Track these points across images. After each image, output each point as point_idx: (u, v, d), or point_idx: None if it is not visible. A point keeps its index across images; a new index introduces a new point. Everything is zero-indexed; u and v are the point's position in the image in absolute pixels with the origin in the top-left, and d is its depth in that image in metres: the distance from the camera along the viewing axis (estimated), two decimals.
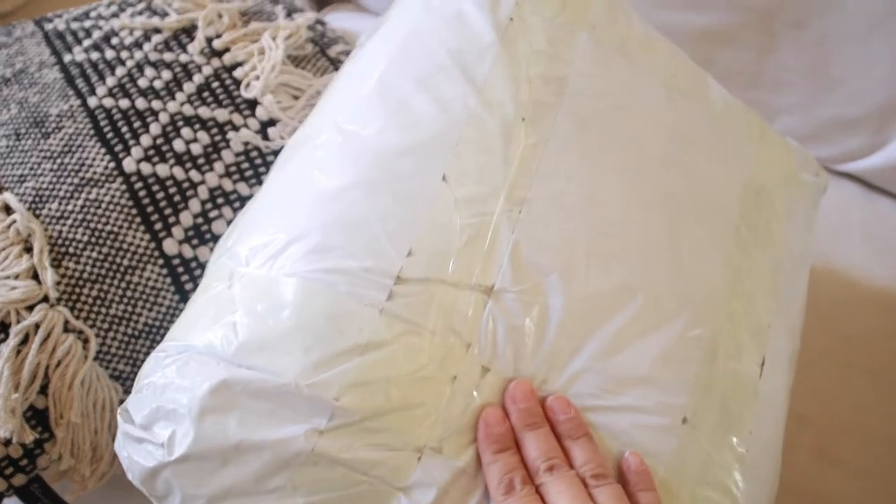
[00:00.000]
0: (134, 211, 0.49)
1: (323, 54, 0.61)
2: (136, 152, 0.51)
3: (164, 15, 0.59)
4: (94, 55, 0.56)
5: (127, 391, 0.48)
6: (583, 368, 0.39)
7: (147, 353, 0.49)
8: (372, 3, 0.86)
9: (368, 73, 0.44)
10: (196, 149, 0.52)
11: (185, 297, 0.49)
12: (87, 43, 0.58)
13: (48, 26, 0.61)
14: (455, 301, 0.37)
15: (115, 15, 0.60)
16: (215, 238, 0.50)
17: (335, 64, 0.61)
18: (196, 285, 0.49)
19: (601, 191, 0.42)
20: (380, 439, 0.35)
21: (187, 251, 0.50)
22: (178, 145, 0.51)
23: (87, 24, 0.60)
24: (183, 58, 0.56)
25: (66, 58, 0.57)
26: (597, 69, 0.46)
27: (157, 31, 0.58)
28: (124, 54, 0.56)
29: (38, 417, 0.45)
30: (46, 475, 0.47)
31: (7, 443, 0.45)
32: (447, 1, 0.46)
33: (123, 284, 0.48)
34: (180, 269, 0.49)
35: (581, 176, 0.42)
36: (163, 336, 0.49)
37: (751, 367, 0.42)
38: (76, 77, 0.55)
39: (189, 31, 0.58)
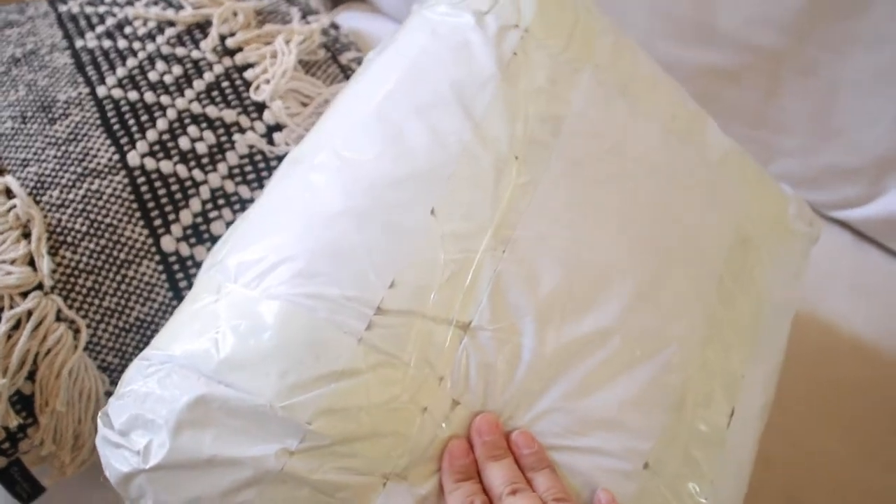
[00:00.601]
0: (135, 205, 0.50)
1: (334, 60, 0.62)
2: (142, 146, 0.52)
3: (179, 7, 0.60)
4: (107, 43, 0.57)
5: (114, 383, 0.49)
6: (550, 408, 0.40)
7: (136, 348, 0.50)
8: (385, 3, 0.86)
9: (370, 96, 0.45)
10: (201, 148, 0.53)
11: (178, 294, 0.51)
12: (100, 29, 0.58)
13: (62, 8, 0.62)
14: (432, 334, 0.38)
15: (129, 2, 0.61)
16: (213, 238, 0.51)
17: (345, 71, 0.61)
18: (190, 284, 0.50)
19: (587, 233, 0.43)
20: (348, 463, 0.36)
21: (184, 249, 0.51)
22: (184, 143, 0.52)
23: (101, 9, 0.61)
24: (195, 54, 0.57)
25: (78, 43, 0.57)
26: (595, 110, 0.47)
27: (171, 23, 0.59)
28: (136, 45, 0.57)
29: (23, 403, 0.47)
30: (26, 459, 0.48)
31: None
32: (455, 29, 0.47)
33: (118, 278, 0.49)
34: (176, 267, 0.50)
35: (568, 218, 0.43)
36: (153, 332, 0.50)
37: (719, 418, 0.43)
38: (87, 64, 0.56)
39: (203, 26, 0.59)
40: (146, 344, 0.50)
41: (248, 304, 0.38)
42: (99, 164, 0.51)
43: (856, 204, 0.70)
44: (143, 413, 0.36)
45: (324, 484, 0.35)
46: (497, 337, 0.39)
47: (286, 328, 0.37)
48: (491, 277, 0.40)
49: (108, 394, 0.49)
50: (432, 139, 0.42)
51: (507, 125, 0.44)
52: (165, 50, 0.57)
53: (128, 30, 0.58)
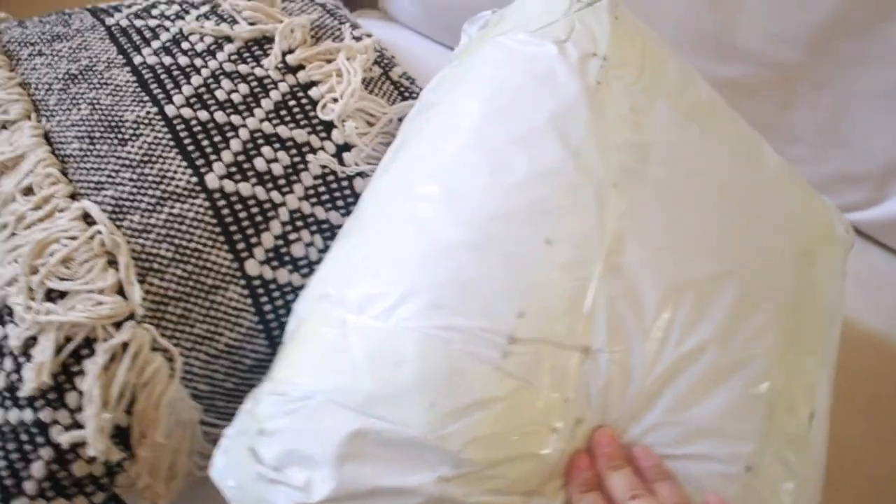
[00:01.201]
0: (217, 229, 0.50)
1: (387, 77, 0.62)
2: (219, 168, 0.51)
3: (232, 22, 0.59)
4: (167, 59, 0.56)
5: (207, 411, 0.49)
6: (659, 422, 0.43)
7: (226, 375, 0.50)
8: (400, 13, 0.87)
9: (461, 126, 0.46)
10: (277, 169, 0.52)
11: (263, 318, 0.51)
12: (156, 45, 0.57)
13: (109, 21, 0.60)
14: (559, 359, 0.41)
15: (179, 16, 0.60)
16: (294, 261, 0.51)
17: (398, 87, 0.62)
18: (274, 307, 0.51)
19: (685, 256, 0.46)
20: (496, 485, 0.38)
21: (268, 272, 0.51)
22: (260, 164, 0.52)
23: (152, 23, 0.59)
24: (258, 71, 0.56)
25: (136, 59, 0.56)
26: (674, 136, 0.50)
27: (229, 39, 0.58)
28: (198, 62, 0.56)
29: (120, 436, 0.46)
30: (118, 489, 0.48)
31: (91, 461, 0.46)
32: (535, 59, 0.49)
33: (207, 304, 0.49)
34: (260, 291, 0.51)
35: (667, 241, 0.45)
36: (241, 358, 0.50)
37: (802, 420, 0.47)
38: (150, 81, 0.54)
39: (260, 42, 0.58)
40: (235, 370, 0.51)
41: (382, 336, 0.39)
42: (178, 186, 0.50)
43: (860, 208, 0.76)
44: (297, 448, 0.36)
45: None
46: (613, 359, 0.42)
47: (426, 360, 0.38)
48: (605, 303, 0.42)
49: (203, 423, 0.49)
50: (535, 170, 0.44)
51: (602, 154, 0.46)
52: (228, 67, 0.56)
53: (185, 45, 0.57)
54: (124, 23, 0.59)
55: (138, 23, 0.59)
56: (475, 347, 0.39)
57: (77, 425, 0.45)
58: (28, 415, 0.46)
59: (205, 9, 0.61)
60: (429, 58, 0.83)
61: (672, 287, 0.44)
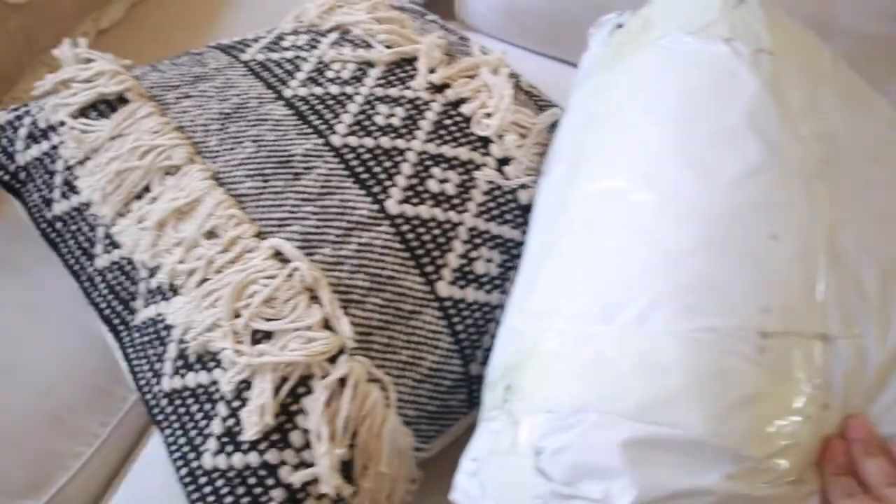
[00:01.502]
0: (406, 254, 0.50)
1: (518, 87, 0.62)
2: (396, 193, 0.51)
3: (367, 46, 0.59)
4: (317, 90, 0.56)
5: (418, 437, 0.49)
6: (892, 402, 0.43)
7: (428, 398, 0.50)
8: (478, 20, 0.87)
9: (655, 133, 0.47)
10: (449, 189, 0.52)
11: (457, 339, 0.51)
12: (300, 76, 0.57)
13: (243, 57, 0.59)
14: (806, 350, 0.41)
15: (312, 45, 0.60)
16: (477, 278, 0.51)
17: (531, 96, 0.62)
18: (465, 326, 0.51)
19: (889, 237, 0.46)
20: (769, 478, 0.38)
21: (457, 293, 0.51)
22: (432, 185, 0.52)
23: (288, 55, 0.59)
24: (408, 93, 0.56)
25: (286, 92, 0.56)
26: (848, 123, 0.50)
27: (370, 64, 0.58)
28: (349, 89, 0.56)
29: (342, 470, 0.46)
30: None
31: (320, 497, 0.45)
32: (712, 60, 0.49)
33: (408, 329, 0.49)
34: (452, 311, 0.50)
35: (872, 226, 0.46)
36: (440, 380, 0.50)
37: None
38: (307, 113, 0.54)
39: (399, 64, 0.58)
40: (436, 393, 0.51)
41: (641, 344, 0.39)
42: (361, 215, 0.50)
43: None
44: (586, 462, 0.37)
45: (763, 499, 0.37)
46: (850, 344, 0.42)
47: (690, 363, 0.39)
48: (835, 290, 0.43)
49: (417, 449, 0.49)
50: (743, 168, 0.44)
51: (798, 147, 0.46)
52: (379, 92, 0.56)
53: (329, 74, 0.57)
54: (260, 57, 0.59)
55: (274, 56, 0.59)
56: (733, 346, 0.39)
57: (303, 464, 0.45)
58: (253, 458, 0.45)
59: (334, 36, 0.60)
60: (515, 64, 0.83)
61: (889, 268, 0.45)
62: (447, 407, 0.52)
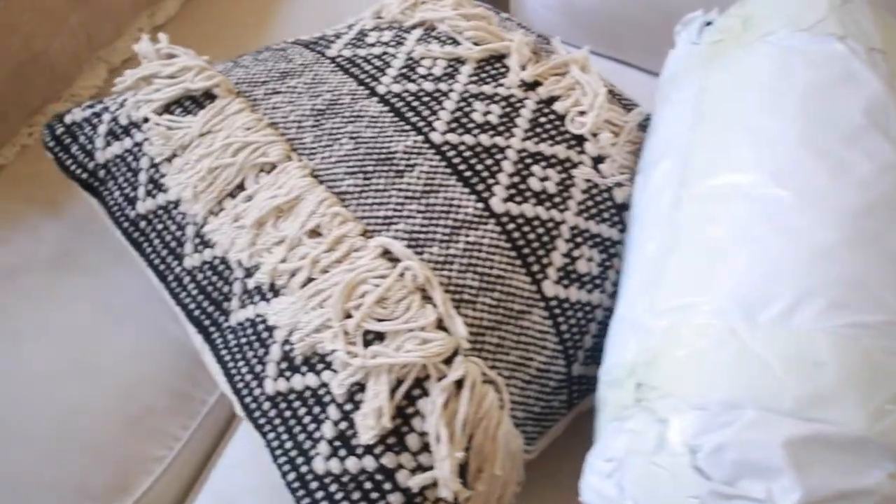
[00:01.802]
0: (512, 253, 0.49)
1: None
2: (499, 191, 0.50)
3: (454, 42, 0.58)
4: (411, 86, 0.55)
5: (524, 439, 0.48)
6: None
7: (535, 399, 0.49)
8: (535, 19, 0.86)
9: (778, 128, 0.46)
10: (550, 187, 0.52)
11: (562, 339, 0.50)
12: (391, 73, 0.56)
13: (329, 52, 0.58)
14: None
15: (398, 42, 0.59)
16: (580, 277, 0.51)
17: (614, 94, 0.61)
18: (569, 326, 0.50)
19: None
20: None
21: (562, 292, 0.50)
22: (534, 183, 0.51)
23: (375, 51, 0.58)
24: (502, 91, 0.55)
25: (380, 89, 0.55)
26: None
27: (459, 60, 0.57)
28: (443, 86, 0.55)
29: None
30: None
31: (436, 501, 0.44)
32: (830, 58, 0.49)
33: (517, 330, 0.48)
34: (557, 311, 0.50)
35: None
36: (547, 380, 0.49)
37: None
38: (404, 110, 0.53)
39: (489, 61, 0.57)
40: (542, 394, 0.50)
41: (792, 340, 0.39)
42: (467, 214, 0.49)
43: None
44: (746, 460, 0.36)
45: None
46: None
47: (845, 359, 0.38)
48: None
49: (525, 451, 0.48)
50: (875, 166, 0.44)
51: None
52: (473, 89, 0.55)
53: (421, 70, 0.56)
54: (347, 53, 0.58)
55: (361, 52, 0.58)
56: (885, 342, 0.39)
57: (420, 468, 0.44)
58: (369, 462, 0.44)
59: (419, 32, 0.59)
60: None
61: None
62: (550, 408, 0.51)
